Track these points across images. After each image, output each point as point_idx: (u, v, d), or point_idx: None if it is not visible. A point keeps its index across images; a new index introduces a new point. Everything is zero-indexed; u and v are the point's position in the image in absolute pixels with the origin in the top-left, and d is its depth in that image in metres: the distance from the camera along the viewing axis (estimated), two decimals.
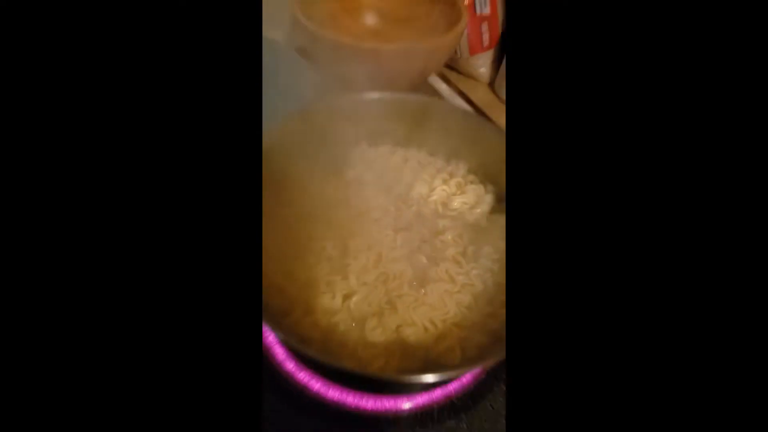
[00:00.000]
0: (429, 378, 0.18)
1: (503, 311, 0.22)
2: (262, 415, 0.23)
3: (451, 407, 0.23)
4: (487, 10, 0.46)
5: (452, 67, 0.52)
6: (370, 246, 0.25)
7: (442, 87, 0.49)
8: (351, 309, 0.22)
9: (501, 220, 0.27)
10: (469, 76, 0.51)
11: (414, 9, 0.45)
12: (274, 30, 0.45)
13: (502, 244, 0.26)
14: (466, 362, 0.21)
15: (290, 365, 0.24)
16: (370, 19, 0.45)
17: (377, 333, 0.21)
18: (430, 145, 0.31)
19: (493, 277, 0.25)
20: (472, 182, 0.29)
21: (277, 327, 0.18)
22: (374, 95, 0.28)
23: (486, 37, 0.48)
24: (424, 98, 0.30)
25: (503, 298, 0.23)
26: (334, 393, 0.23)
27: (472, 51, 0.48)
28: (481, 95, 0.49)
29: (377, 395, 0.23)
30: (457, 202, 0.28)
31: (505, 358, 0.19)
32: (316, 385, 0.23)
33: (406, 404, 0.23)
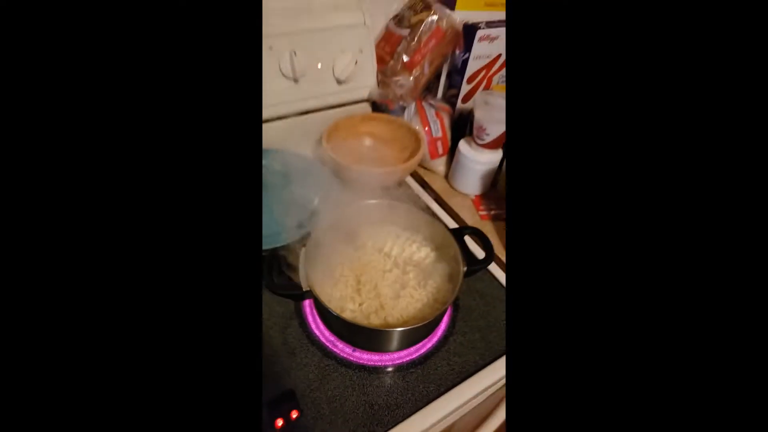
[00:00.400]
0: (398, 329, 0.40)
1: (435, 311, 0.44)
2: (300, 360, 0.43)
3: (424, 357, 0.44)
4: (440, 134, 0.72)
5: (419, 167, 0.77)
6: (370, 279, 0.47)
7: (411, 181, 0.74)
8: (362, 310, 0.44)
9: (439, 268, 0.50)
10: (431, 171, 0.77)
11: (395, 133, 0.70)
12: (305, 147, 0.70)
13: (439, 279, 0.48)
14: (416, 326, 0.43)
15: (323, 331, 0.45)
16: (367, 142, 0.68)
17: (375, 320, 0.43)
18: (402, 226, 0.54)
19: (433, 295, 0.47)
20: (424, 246, 0.53)
21: (329, 313, 0.40)
22: (372, 201, 0.52)
23: (440, 149, 0.74)
24: (399, 203, 0.51)
25: (437, 305, 0.45)
26: (346, 349, 0.44)
27: (432, 157, 0.74)
28: (439, 185, 0.74)
29: (379, 353, 0.44)
30: (416, 256, 0.51)
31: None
32: (339, 345, 0.45)
33: (395, 356, 0.44)
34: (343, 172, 0.59)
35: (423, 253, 0.50)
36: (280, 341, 0.45)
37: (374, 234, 0.52)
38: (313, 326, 0.46)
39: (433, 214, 0.57)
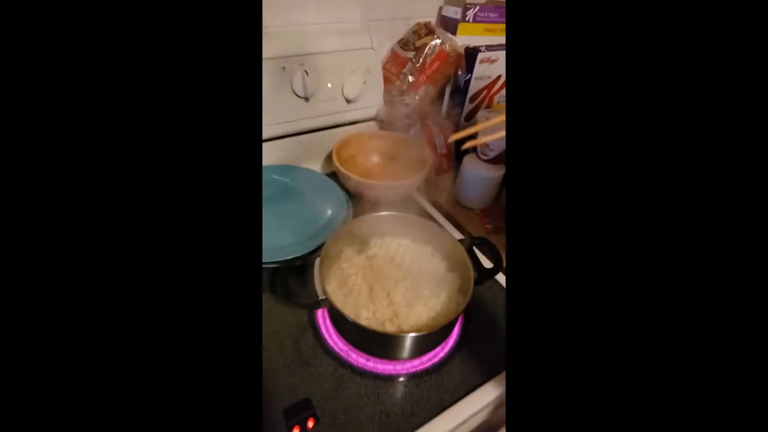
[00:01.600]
0: (413, 335, 0.40)
1: (445, 319, 0.45)
2: (315, 371, 0.43)
3: (437, 366, 0.45)
4: (444, 150, 0.75)
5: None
6: (383, 288, 0.48)
7: (418, 195, 0.76)
8: (376, 318, 0.45)
9: (449, 277, 0.51)
10: (436, 185, 0.79)
11: (401, 150, 0.73)
12: (315, 163, 0.72)
13: (450, 289, 0.50)
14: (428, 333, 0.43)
15: (336, 341, 0.46)
16: (375, 158, 0.71)
17: (390, 328, 0.44)
18: (412, 237, 0.56)
19: (446, 305, 0.48)
20: (434, 256, 0.54)
21: (345, 320, 0.41)
22: (381, 214, 0.53)
23: (445, 165, 0.76)
24: (408, 215, 0.53)
25: (447, 315, 0.46)
26: (360, 358, 0.45)
27: (437, 172, 0.77)
28: (445, 199, 0.75)
29: (391, 361, 0.45)
30: (427, 267, 0.51)
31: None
32: (353, 355, 0.45)
33: (409, 365, 0.45)
34: (353, 186, 0.61)
35: (434, 263, 0.51)
36: (294, 351, 0.45)
37: (385, 245, 0.53)
38: (326, 336, 0.47)
39: (441, 226, 0.58)
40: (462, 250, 0.48)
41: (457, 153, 0.75)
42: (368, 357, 0.45)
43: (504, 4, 0.72)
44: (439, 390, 0.43)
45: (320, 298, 0.43)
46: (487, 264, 0.51)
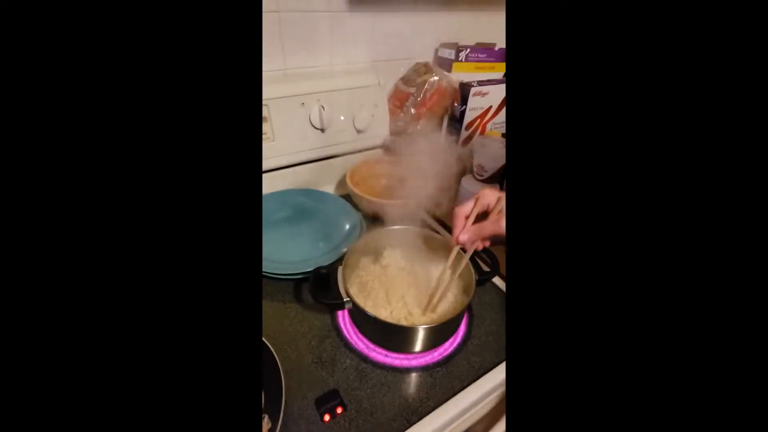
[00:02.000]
0: (425, 326, 0.47)
1: (452, 314, 0.51)
2: (341, 365, 0.50)
3: (447, 359, 0.51)
4: None
5: None
6: (397, 292, 0.55)
7: (424, 213, 0.84)
8: (393, 316, 0.52)
9: (454, 281, 0.58)
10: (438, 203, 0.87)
11: (406, 173, 0.82)
12: (330, 186, 0.81)
13: (456, 291, 0.56)
14: (438, 324, 0.50)
15: (357, 341, 0.52)
16: (384, 181, 0.80)
17: (405, 323, 0.51)
18: (419, 248, 0.63)
19: (452, 305, 0.54)
20: (441, 263, 0.61)
21: (367, 317, 0.48)
22: (391, 228, 0.61)
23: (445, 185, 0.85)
24: (415, 228, 0.61)
25: (453, 311, 0.52)
26: (379, 354, 0.51)
27: (439, 192, 0.85)
28: (446, 215, 0.84)
29: (407, 354, 0.51)
30: (434, 273, 0.59)
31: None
32: (371, 352, 0.51)
33: (422, 359, 0.51)
34: (365, 205, 0.69)
35: (440, 269, 0.58)
36: (321, 350, 0.52)
37: (396, 255, 0.60)
38: (348, 336, 0.53)
39: (444, 237, 0.66)
40: (464, 257, 0.55)
41: (457, 175, 0.83)
42: (387, 353, 0.51)
43: (491, 46, 0.83)
44: (450, 378, 0.49)
45: (345, 299, 0.50)
46: (486, 269, 0.58)
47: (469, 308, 0.58)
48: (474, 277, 0.52)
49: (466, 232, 0.45)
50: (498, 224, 0.43)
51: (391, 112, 0.81)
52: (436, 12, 0.81)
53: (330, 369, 0.49)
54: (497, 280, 0.63)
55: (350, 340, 0.53)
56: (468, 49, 0.81)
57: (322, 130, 0.73)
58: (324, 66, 0.75)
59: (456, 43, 0.82)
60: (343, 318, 0.56)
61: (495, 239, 0.72)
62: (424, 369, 0.50)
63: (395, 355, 0.51)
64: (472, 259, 0.56)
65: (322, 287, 0.52)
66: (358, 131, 0.77)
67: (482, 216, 0.47)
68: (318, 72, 0.74)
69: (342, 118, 0.75)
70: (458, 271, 0.51)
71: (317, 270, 0.53)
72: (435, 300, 0.52)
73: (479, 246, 0.48)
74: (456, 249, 0.51)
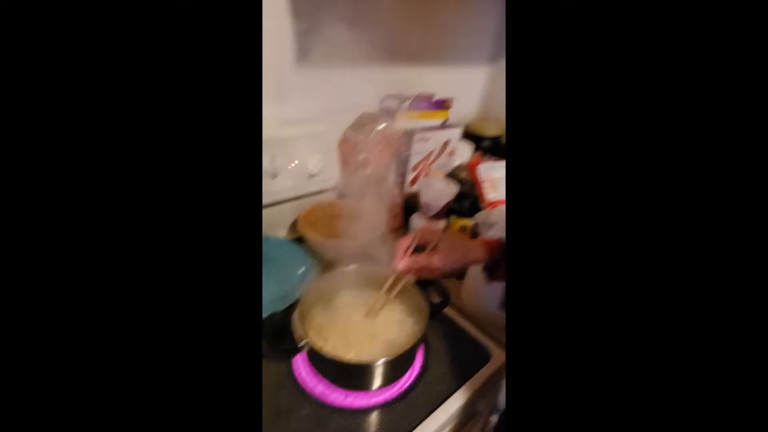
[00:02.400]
0: (382, 360, 0.48)
1: (407, 346, 0.53)
2: (298, 415, 0.49)
3: (406, 392, 0.52)
4: (395, 212, 0.88)
5: None
6: (355, 333, 0.56)
7: (376, 252, 0.87)
8: (351, 357, 0.52)
9: (408, 317, 0.60)
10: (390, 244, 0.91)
11: (358, 214, 0.86)
12: (281, 231, 0.82)
13: (410, 326, 0.58)
14: (395, 357, 0.51)
15: (315, 386, 0.52)
16: (336, 222, 0.84)
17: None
18: (374, 286, 0.65)
19: (408, 337, 0.56)
20: (393, 300, 0.63)
21: (325, 359, 0.48)
22: (345, 269, 0.63)
23: (396, 224, 0.89)
24: (369, 267, 0.63)
25: (409, 342, 0.54)
26: (338, 397, 0.51)
27: (390, 231, 0.89)
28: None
29: (362, 392, 0.51)
30: (387, 309, 0.61)
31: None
32: (330, 396, 0.51)
33: (381, 396, 0.51)
34: (318, 247, 0.71)
35: (395, 305, 0.61)
36: (278, 398, 0.51)
37: (352, 295, 0.62)
38: (306, 381, 0.53)
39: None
40: (416, 291, 0.58)
41: (406, 214, 0.88)
42: (346, 393, 0.51)
43: (430, 97, 0.92)
44: (408, 412, 0.50)
45: (300, 343, 0.50)
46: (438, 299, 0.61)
47: (424, 340, 0.60)
48: (426, 309, 0.55)
49: (403, 261, 0.52)
50: (430, 258, 0.51)
51: (342, 159, 0.86)
52: (379, 67, 0.89)
53: (287, 418, 0.48)
54: (449, 311, 0.66)
55: (306, 387, 0.52)
56: (411, 99, 0.89)
57: (273, 177, 0.75)
58: (276, 116, 0.79)
59: (400, 94, 0.90)
60: (302, 362, 0.55)
61: (437, 272, 0.76)
62: (384, 406, 0.51)
63: (355, 394, 0.51)
64: (423, 291, 0.59)
65: (277, 334, 0.52)
66: (311, 176, 0.80)
67: (420, 248, 0.54)
68: (270, 121, 0.77)
69: (296, 162, 0.77)
70: (394, 293, 0.56)
71: (271, 316, 0.53)
72: (377, 306, 0.56)
73: (412, 276, 0.55)
74: (394, 275, 0.56)
